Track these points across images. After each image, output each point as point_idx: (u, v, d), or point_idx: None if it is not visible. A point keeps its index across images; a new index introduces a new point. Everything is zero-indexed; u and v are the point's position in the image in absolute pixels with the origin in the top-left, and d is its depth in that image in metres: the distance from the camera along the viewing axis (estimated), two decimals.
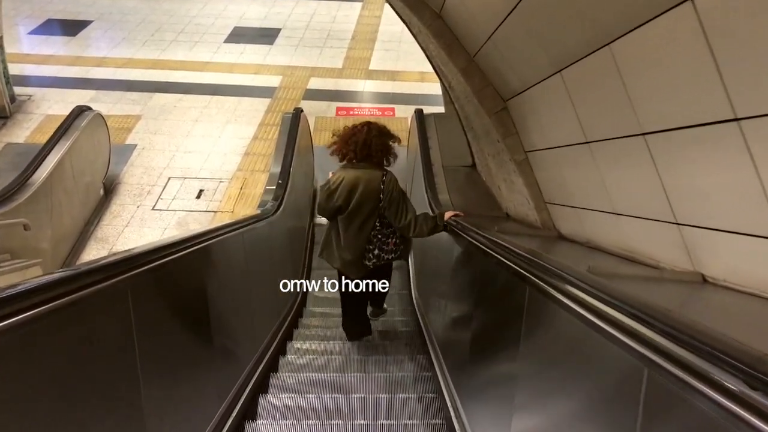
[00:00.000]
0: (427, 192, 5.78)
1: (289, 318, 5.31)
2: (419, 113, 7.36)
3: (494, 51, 3.55)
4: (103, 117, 7.71)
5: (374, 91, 10.85)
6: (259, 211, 4.94)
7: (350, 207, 4.17)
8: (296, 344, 5.00)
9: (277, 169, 6.17)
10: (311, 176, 8.00)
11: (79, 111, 7.21)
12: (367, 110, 10.11)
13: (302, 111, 7.53)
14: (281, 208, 5.44)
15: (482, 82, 3.83)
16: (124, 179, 8.15)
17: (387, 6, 14.33)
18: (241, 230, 4.17)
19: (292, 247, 6.07)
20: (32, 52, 11.53)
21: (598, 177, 2.86)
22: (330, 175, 4.45)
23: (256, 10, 14.14)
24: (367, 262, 4.27)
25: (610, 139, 2.60)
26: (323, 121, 9.72)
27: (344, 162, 4.38)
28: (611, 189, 2.76)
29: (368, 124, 4.31)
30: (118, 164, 8.37)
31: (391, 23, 13.53)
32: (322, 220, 7.62)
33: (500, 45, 3.38)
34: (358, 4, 14.55)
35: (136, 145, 8.85)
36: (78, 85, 10.45)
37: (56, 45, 11.99)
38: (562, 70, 2.89)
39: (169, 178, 8.19)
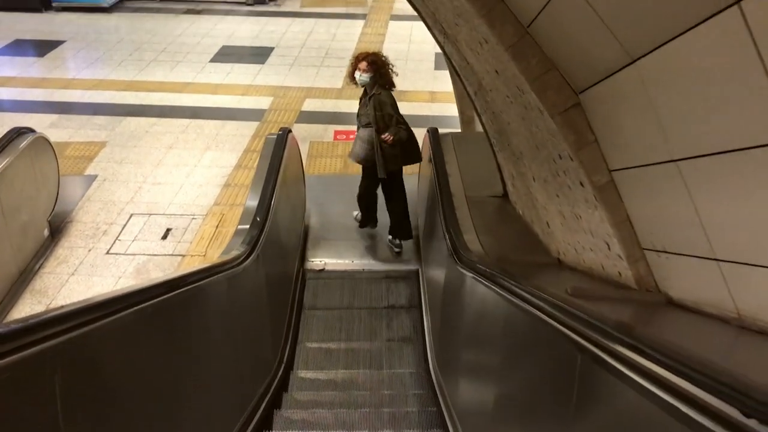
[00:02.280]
0: (446, 231, 4.48)
1: (258, 415, 3.94)
2: (434, 133, 6.09)
3: (563, 14, 2.27)
4: (49, 142, 6.47)
5: None
6: (217, 261, 3.61)
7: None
8: None
9: (254, 203, 4.87)
10: (301, 211, 6.69)
11: (16, 134, 5.97)
12: None
13: (290, 132, 6.27)
14: (254, 255, 4.12)
15: (542, 65, 2.54)
16: (77, 217, 6.86)
17: (392, 23, 13.26)
18: (184, 290, 2.88)
19: (270, 304, 4.73)
20: None
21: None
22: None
23: (247, 29, 13.04)
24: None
25: None
26: (319, 147, 8.46)
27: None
28: None
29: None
30: (72, 199, 7.11)
31: (396, 41, 12.42)
32: (314, 263, 6.37)
33: (569, 7, 2.10)
34: (360, 22, 13.46)
35: (96, 176, 7.60)
36: (37, 108, 9.27)
37: (20, 66, 10.85)
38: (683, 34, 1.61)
39: (131, 215, 6.90)
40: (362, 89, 5.97)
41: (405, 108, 9.79)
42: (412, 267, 6.23)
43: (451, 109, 8.88)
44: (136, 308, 2.25)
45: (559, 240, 3.74)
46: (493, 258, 4.17)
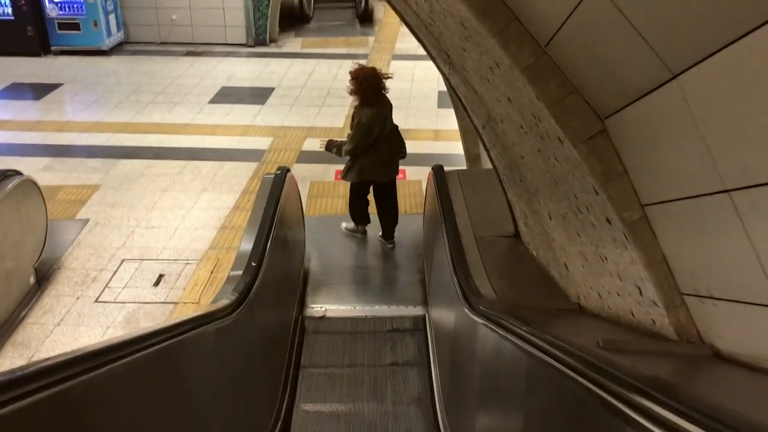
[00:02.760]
0: (454, 275, 4.17)
1: None
2: (438, 170, 5.81)
3: (588, 28, 2.01)
4: (36, 185, 6.21)
5: None
6: (201, 312, 3.30)
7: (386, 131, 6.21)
8: None
9: (248, 246, 4.58)
10: (300, 254, 6.39)
11: (1, 177, 5.73)
12: None
13: (289, 171, 6.02)
14: (245, 304, 3.80)
15: (563, 88, 2.26)
16: (66, 263, 6.57)
17: (394, 63, 13.15)
18: (158, 347, 2.58)
19: (264, 360, 4.38)
20: None
21: None
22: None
23: (247, 70, 12.95)
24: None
25: None
26: (320, 187, 8.21)
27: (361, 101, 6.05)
28: None
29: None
30: (61, 244, 6.83)
31: (400, 80, 12.24)
32: (314, 310, 6.02)
33: (595, 20, 1.84)
34: (362, 62, 13.29)
35: (87, 221, 7.33)
36: (31, 152, 9.08)
37: (16, 110, 10.71)
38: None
39: (123, 261, 6.61)
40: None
41: (409, 146, 9.54)
42: (418, 312, 5.89)
43: (456, 147, 8.65)
44: (97, 372, 1.94)
45: (580, 284, 3.42)
46: (507, 304, 3.85)
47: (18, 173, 5.98)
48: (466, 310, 3.76)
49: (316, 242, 7.00)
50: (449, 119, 10.25)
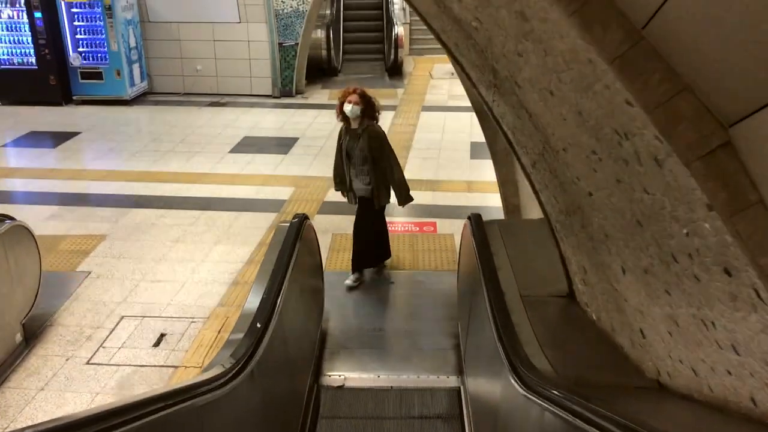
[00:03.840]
0: (499, 341, 3.49)
1: None
2: (476, 220, 5.17)
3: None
4: (30, 232, 5.71)
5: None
6: (186, 383, 2.66)
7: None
8: None
9: (254, 304, 3.96)
10: (317, 313, 5.74)
11: None
12: (400, 225, 8.02)
13: (307, 218, 5.46)
14: (246, 371, 3.16)
15: (668, 84, 1.65)
16: (59, 319, 6.00)
17: (424, 114, 12.71)
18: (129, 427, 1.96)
19: None
20: None
21: None
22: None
23: (272, 120, 12.63)
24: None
25: None
26: (342, 240, 7.62)
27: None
28: None
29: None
30: (57, 298, 6.29)
31: (429, 131, 11.84)
32: (332, 378, 5.33)
33: None
34: (390, 113, 12.95)
35: (89, 273, 6.80)
36: (40, 200, 8.68)
37: (30, 157, 10.43)
38: None
39: (122, 317, 6.03)
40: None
41: (440, 198, 9.02)
42: (452, 383, 5.17)
43: (491, 199, 8.04)
44: None
45: (663, 356, 2.72)
46: (565, 379, 3.16)
47: (9, 218, 5.50)
48: (515, 383, 3.08)
49: (337, 300, 6.37)
50: (483, 170, 9.69)
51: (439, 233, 7.79)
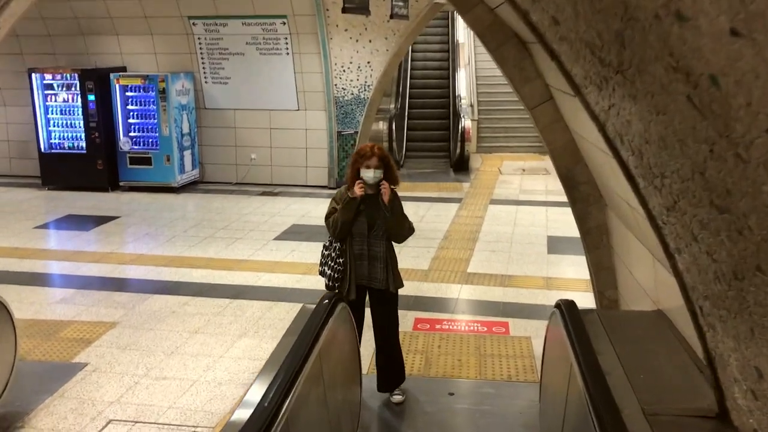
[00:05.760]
0: None
1: None
2: (569, 309, 3.89)
3: None
4: (8, 311, 4.73)
5: (474, 299, 7.55)
6: None
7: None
8: None
9: (248, 410, 2.75)
10: (350, 425, 4.44)
11: None
12: (464, 324, 6.73)
13: (341, 301, 4.30)
14: None
15: None
16: (33, 420, 4.88)
17: (493, 206, 11.51)
18: None
19: None
20: (23, 246, 9.24)
21: None
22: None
23: (323, 209, 11.67)
24: None
25: None
26: None
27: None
28: None
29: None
30: (38, 394, 5.21)
31: (498, 224, 10.67)
32: None
33: None
34: (455, 206, 11.92)
35: (85, 365, 5.74)
36: (53, 282, 7.87)
37: (58, 240, 9.78)
38: None
39: (109, 421, 4.87)
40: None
41: (513, 296, 7.70)
42: None
43: (577, 298, 6.65)
44: None
45: None
46: None
47: None
48: None
49: (380, 414, 5.05)
50: (564, 267, 8.41)
51: (513, 335, 6.42)
